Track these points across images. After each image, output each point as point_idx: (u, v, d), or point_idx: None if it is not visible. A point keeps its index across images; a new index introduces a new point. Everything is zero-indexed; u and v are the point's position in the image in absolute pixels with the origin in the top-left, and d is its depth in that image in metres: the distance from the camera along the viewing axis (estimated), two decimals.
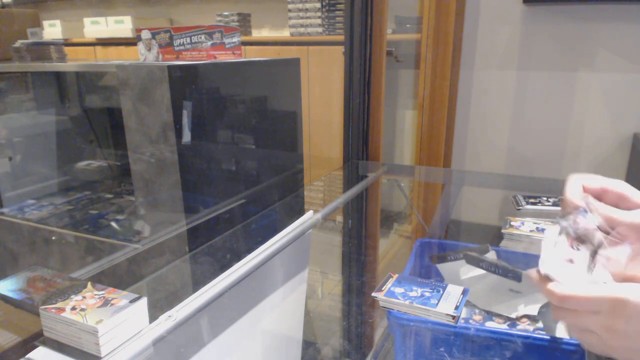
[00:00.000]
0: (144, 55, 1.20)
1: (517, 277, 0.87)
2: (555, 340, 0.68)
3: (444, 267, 0.97)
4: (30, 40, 1.58)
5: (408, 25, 2.20)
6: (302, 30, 2.48)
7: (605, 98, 1.87)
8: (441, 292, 0.65)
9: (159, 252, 1.08)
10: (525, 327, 0.86)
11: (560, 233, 0.48)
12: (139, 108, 1.01)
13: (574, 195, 0.49)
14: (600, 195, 0.50)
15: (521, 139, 2.05)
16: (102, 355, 0.50)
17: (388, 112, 2.38)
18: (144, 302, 0.56)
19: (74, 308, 0.53)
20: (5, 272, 1.47)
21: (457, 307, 0.61)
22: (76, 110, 1.71)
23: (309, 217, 0.91)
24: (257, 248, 0.76)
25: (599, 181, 0.51)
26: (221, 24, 2.71)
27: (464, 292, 0.65)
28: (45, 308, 0.53)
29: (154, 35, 1.17)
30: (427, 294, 0.65)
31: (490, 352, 0.72)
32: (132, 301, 0.55)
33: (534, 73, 1.96)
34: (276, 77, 1.32)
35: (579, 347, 0.67)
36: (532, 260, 0.88)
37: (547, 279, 0.45)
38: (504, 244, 1.06)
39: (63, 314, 0.52)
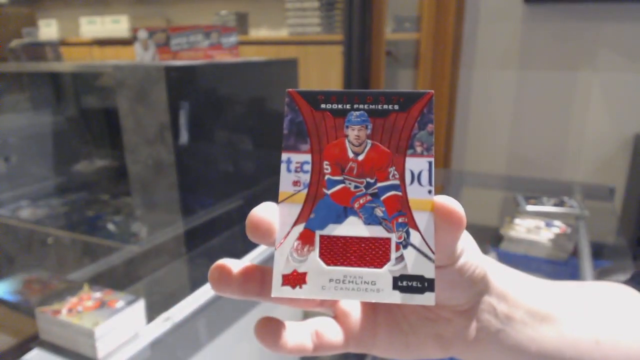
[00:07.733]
0: (141, 55, 1.19)
1: None
2: None
3: None
4: (25, 40, 1.57)
5: (407, 25, 2.20)
6: (300, 29, 2.47)
7: (607, 98, 1.86)
8: None
9: (156, 254, 1.08)
10: None
11: None
12: (136, 109, 1.00)
13: None
14: None
15: (521, 139, 2.05)
16: (99, 358, 0.50)
17: None
18: (141, 303, 0.55)
19: (70, 310, 0.52)
20: (0, 274, 1.46)
21: None
22: (73, 111, 1.70)
23: None
24: (255, 248, 0.76)
25: None
26: (218, 23, 2.71)
27: None
28: (42, 310, 0.53)
29: (150, 35, 1.16)
30: None
31: None
32: (129, 303, 0.54)
33: (534, 73, 1.96)
34: (274, 77, 1.31)
35: None
36: (532, 261, 0.88)
37: None
38: (504, 245, 1.06)
39: (59, 316, 0.51)
